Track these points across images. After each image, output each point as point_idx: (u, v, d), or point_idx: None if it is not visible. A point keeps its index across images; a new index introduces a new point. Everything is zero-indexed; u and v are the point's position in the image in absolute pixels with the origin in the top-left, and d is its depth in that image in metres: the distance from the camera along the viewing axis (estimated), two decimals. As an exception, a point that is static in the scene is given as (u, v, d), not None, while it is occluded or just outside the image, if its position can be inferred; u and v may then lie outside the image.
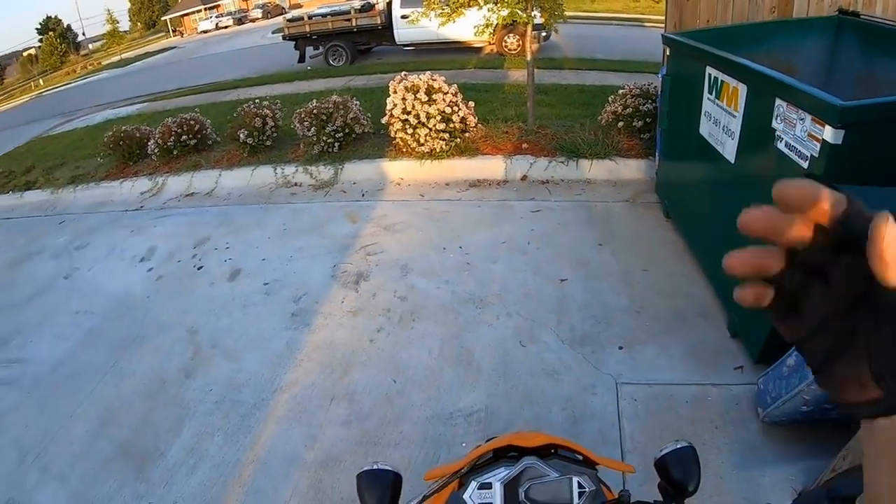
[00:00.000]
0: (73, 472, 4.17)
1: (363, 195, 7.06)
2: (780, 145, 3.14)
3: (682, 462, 1.36)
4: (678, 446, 1.38)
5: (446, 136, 7.05)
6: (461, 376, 3.99)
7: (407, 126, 7.01)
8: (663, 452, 1.38)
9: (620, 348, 4.03)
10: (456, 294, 4.89)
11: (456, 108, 6.99)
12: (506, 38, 15.27)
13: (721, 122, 4.03)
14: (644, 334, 4.14)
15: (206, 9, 63.48)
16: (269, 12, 54.02)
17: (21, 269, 7.48)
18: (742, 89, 3.68)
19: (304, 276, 5.57)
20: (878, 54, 4.46)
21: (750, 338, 3.77)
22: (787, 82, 3.13)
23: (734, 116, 3.80)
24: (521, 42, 14.87)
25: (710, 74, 4.23)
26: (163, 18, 74.63)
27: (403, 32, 16.36)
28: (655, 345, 4.02)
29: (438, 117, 6.89)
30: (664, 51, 5.39)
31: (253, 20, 54.24)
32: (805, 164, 2.92)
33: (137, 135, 9.30)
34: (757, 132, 3.52)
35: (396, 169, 7.36)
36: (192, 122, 8.86)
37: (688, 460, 1.36)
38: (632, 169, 6.70)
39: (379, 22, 17.06)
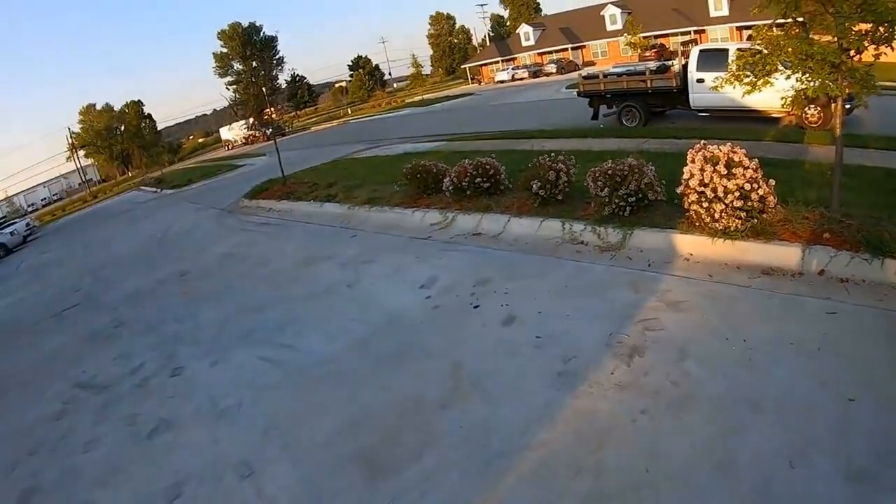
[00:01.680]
0: (310, 458, 4.71)
1: (649, 265, 7.05)
2: None
3: None
4: None
5: (743, 214, 6.82)
6: (717, 484, 3.79)
7: (703, 199, 6.93)
8: None
9: None
10: (731, 390, 4.65)
11: (756, 186, 6.76)
12: (806, 109, 14.44)
13: None
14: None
15: (502, 60, 67.08)
16: (562, 68, 55.78)
17: (311, 269, 8.69)
18: None
19: (578, 337, 5.66)
20: None
21: None
22: None
23: None
24: (822, 114, 13.95)
25: None
26: (462, 67, 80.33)
27: (699, 97, 16.11)
28: None
29: (737, 193, 6.71)
30: None
31: (547, 74, 56.32)
32: None
33: (434, 170, 10.38)
34: None
35: (686, 243, 7.23)
36: (487, 166, 9.71)
37: None
38: None
39: (674, 84, 16.97)
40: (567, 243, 7.98)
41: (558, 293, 6.65)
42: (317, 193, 12.92)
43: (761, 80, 6.72)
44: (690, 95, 16.51)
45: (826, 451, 3.92)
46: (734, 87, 7.05)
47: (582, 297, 6.47)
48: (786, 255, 6.63)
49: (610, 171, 7.89)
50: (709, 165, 6.85)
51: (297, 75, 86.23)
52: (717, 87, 7.28)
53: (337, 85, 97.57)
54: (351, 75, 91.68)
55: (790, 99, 6.78)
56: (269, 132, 41.58)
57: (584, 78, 19.35)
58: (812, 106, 14.12)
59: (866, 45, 6.22)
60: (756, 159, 7.04)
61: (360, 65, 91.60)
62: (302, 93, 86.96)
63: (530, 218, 8.66)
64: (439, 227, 9.46)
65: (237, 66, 19.40)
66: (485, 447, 4.36)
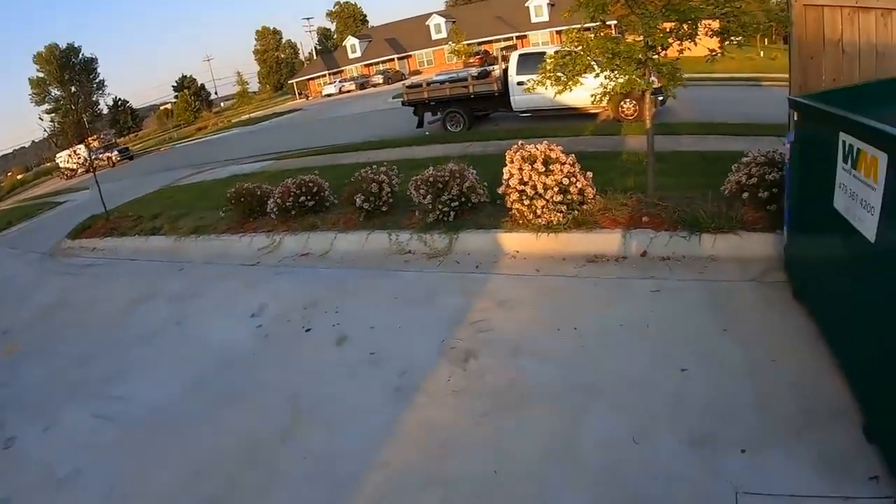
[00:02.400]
0: (155, 521, 4.19)
1: (477, 267, 7.01)
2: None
3: None
4: None
5: (564, 207, 6.93)
6: (566, 474, 3.75)
7: (524, 197, 6.96)
8: None
9: (743, 452, 3.67)
10: (568, 381, 4.64)
11: (574, 179, 6.91)
12: (622, 103, 15.21)
13: (858, 195, 3.62)
14: (769, 435, 3.77)
15: (330, 74, 66.65)
16: (389, 78, 56.28)
17: (139, 310, 7.93)
18: (882, 158, 3.27)
19: (412, 349, 5.51)
20: None
21: (890, 445, 3.31)
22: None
23: (873, 189, 3.40)
24: (637, 107, 14.78)
25: (843, 141, 3.85)
26: (290, 82, 79.12)
27: (520, 99, 16.58)
28: (782, 448, 3.64)
29: (556, 188, 6.81)
30: (790, 115, 5.09)
31: (374, 85, 56.57)
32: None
33: (258, 192, 9.81)
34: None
35: (512, 241, 7.26)
36: (310, 184, 9.26)
37: None
38: (758, 244, 6.30)
39: (496, 89, 17.37)
40: (395, 254, 7.77)
41: (388, 306, 6.43)
42: (142, 227, 11.90)
43: (571, 80, 6.89)
44: (512, 98, 16.97)
45: (667, 424, 3.99)
46: (546, 88, 7.15)
47: (412, 308, 6.30)
48: (608, 241, 6.80)
49: (431, 178, 7.75)
50: (527, 164, 6.90)
51: (120, 99, 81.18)
52: (529, 88, 7.38)
53: (162, 107, 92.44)
54: (176, 96, 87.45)
55: (599, 96, 6.99)
56: (114, 155, 40.36)
57: (408, 87, 19.46)
58: (627, 100, 14.92)
59: (671, 41, 6.55)
60: (573, 154, 7.20)
61: (185, 85, 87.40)
62: (125, 118, 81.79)
63: (357, 232, 8.35)
64: (267, 251, 8.96)
65: (55, 91, 17.93)
66: (330, 475, 4.10)
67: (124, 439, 5.21)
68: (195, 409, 5.30)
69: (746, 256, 6.27)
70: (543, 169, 6.84)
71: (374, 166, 8.76)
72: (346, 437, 4.45)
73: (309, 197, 9.15)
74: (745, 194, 6.68)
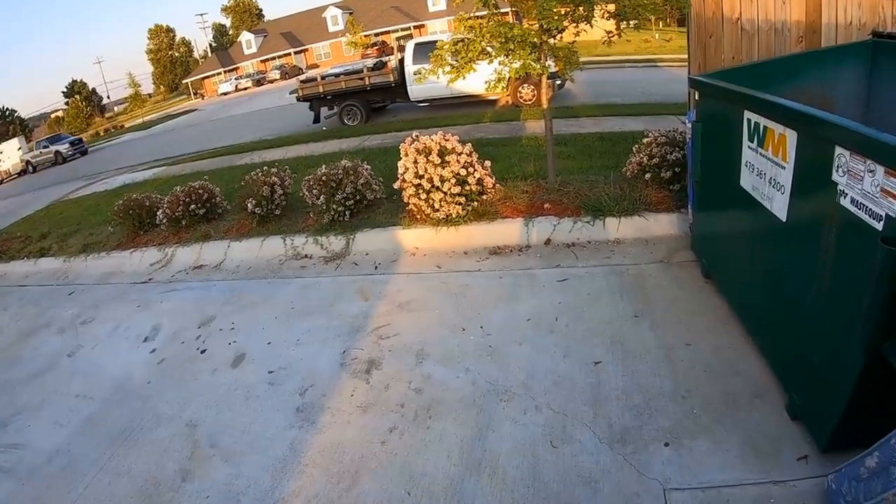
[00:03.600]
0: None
1: (376, 268, 6.62)
2: (845, 202, 2.66)
3: None
4: None
5: (462, 199, 6.59)
6: (484, 486, 3.47)
7: (420, 191, 6.58)
8: None
9: (666, 445, 3.48)
10: (477, 384, 4.37)
11: (471, 170, 6.57)
12: (520, 88, 15.09)
13: (767, 174, 3.52)
14: (693, 424, 3.60)
15: (225, 71, 64.80)
16: (286, 73, 55.04)
17: (28, 343, 7.21)
18: (791, 136, 3.18)
19: (312, 363, 5.13)
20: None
21: (815, 421, 3.22)
22: (850, 127, 2.66)
23: (783, 168, 3.30)
24: (535, 92, 14.67)
25: (749, 119, 3.74)
26: (184, 81, 76.44)
27: (417, 89, 16.31)
28: (706, 437, 3.48)
29: (453, 180, 6.46)
30: (691, 94, 4.98)
31: (271, 81, 55.27)
32: (879, 226, 2.44)
33: (147, 203, 9.07)
34: (813, 186, 3.02)
35: (411, 237, 6.89)
36: (200, 191, 8.59)
37: None
38: (663, 224, 6.21)
39: (392, 79, 17.06)
40: (291, 260, 7.26)
41: (286, 317, 5.98)
42: (30, 249, 10.89)
43: (465, 67, 6.58)
44: (409, 88, 16.66)
45: (585, 422, 3.77)
46: (437, 78, 6.82)
47: (310, 317, 5.87)
48: (510, 231, 6.53)
49: (324, 177, 7.25)
50: (422, 157, 6.53)
51: (7, 109, 76.22)
52: (420, 78, 6.99)
53: (53, 115, 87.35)
54: (66, 103, 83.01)
55: (494, 82, 6.68)
56: (63, 148, 33.95)
57: (302, 82, 18.87)
58: (525, 85, 14.81)
59: (566, 24, 6.37)
60: (470, 143, 6.87)
61: (76, 90, 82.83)
62: (14, 129, 76.86)
63: (251, 239, 7.78)
64: (159, 265, 8.30)
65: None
66: (235, 514, 3.72)
67: (21, 492, 4.70)
68: (92, 452, 4.82)
69: (653, 238, 6.19)
70: (439, 161, 6.48)
71: (266, 168, 8.22)
72: (250, 469, 4.07)
73: (199, 205, 8.48)
74: (648, 175, 6.57)
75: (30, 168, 34.52)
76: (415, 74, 7.34)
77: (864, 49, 4.68)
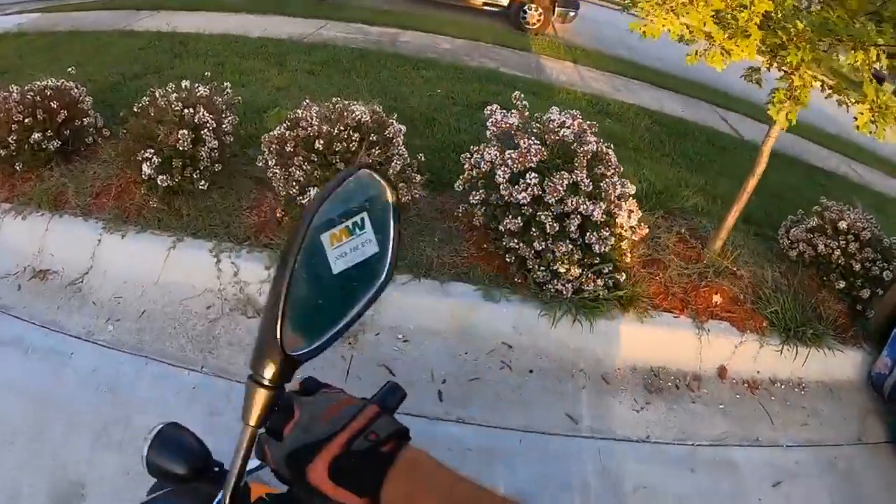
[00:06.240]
0: None
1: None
2: None
3: None
4: None
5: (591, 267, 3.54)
6: None
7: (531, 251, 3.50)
8: None
9: None
10: None
11: (612, 205, 3.53)
12: (526, 8, 11.90)
13: None
14: None
15: None
16: None
17: None
18: None
19: None
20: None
21: None
22: None
23: None
24: (542, 17, 11.82)
25: None
26: None
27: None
28: None
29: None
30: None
31: None
32: None
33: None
34: None
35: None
36: (52, 103, 4.28)
37: None
38: (842, 361, 3.93)
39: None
40: (234, 312, 3.61)
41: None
42: None
43: None
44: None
45: None
46: None
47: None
48: (671, 341, 3.75)
49: (317, 142, 3.68)
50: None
51: None
52: None
53: None
54: None
55: None
56: None
57: None
58: (533, 6, 11.77)
59: None
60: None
61: None
62: None
63: (147, 235, 3.91)
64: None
65: None
66: None
67: None
68: None
69: (834, 383, 3.93)
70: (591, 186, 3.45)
71: (186, 84, 4.13)
72: None
73: (51, 131, 4.27)
74: (837, 279, 4.12)
75: None
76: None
77: None
